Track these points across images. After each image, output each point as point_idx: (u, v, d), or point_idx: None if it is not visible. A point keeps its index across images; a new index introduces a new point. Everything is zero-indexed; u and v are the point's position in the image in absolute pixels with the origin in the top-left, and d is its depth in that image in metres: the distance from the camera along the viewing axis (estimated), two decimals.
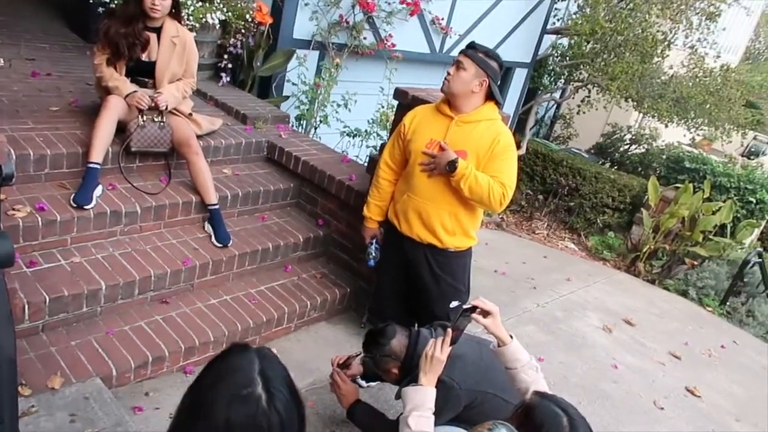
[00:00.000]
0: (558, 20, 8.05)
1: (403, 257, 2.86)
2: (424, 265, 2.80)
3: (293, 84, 4.75)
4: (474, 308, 1.95)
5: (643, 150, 9.82)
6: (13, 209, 2.64)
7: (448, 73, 2.61)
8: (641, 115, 9.39)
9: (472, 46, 2.60)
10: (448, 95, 2.65)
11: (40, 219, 2.66)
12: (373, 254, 2.98)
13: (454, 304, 2.85)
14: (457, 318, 1.95)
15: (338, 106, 4.57)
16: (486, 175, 2.56)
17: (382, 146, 3.46)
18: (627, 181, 8.03)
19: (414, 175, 2.72)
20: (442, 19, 5.98)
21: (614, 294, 5.30)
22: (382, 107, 4.42)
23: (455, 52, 6.31)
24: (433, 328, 2.36)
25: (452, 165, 2.54)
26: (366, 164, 3.72)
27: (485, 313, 1.97)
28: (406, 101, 3.21)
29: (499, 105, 2.70)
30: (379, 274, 3.09)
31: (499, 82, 2.68)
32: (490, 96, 2.65)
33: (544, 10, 7.35)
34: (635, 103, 7.95)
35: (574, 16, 7.73)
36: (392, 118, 4.35)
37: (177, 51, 3.22)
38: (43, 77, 3.76)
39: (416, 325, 2.74)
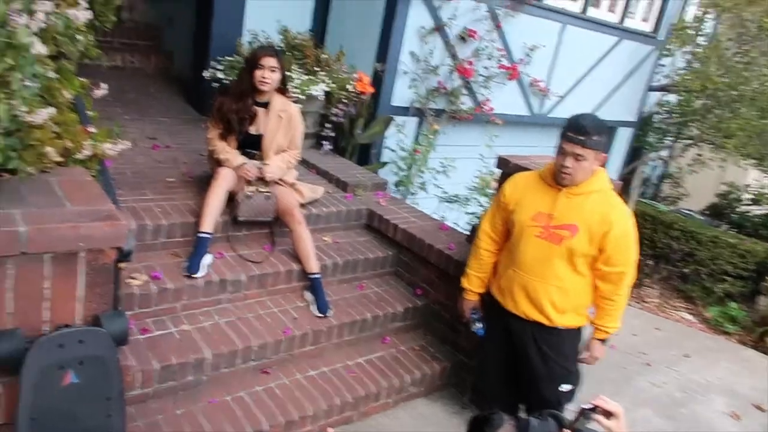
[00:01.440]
0: (664, 77, 7.71)
1: (507, 335, 2.70)
2: (531, 345, 2.62)
3: (392, 150, 4.80)
4: (595, 408, 1.75)
5: (766, 211, 9.01)
6: (131, 278, 2.76)
7: (565, 166, 2.39)
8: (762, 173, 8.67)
9: (583, 132, 2.34)
10: (572, 185, 2.47)
11: (154, 287, 2.77)
12: (479, 324, 2.86)
13: (565, 387, 2.64)
14: (577, 419, 1.75)
15: (437, 172, 4.54)
16: (614, 293, 2.51)
17: (483, 215, 3.38)
18: (750, 246, 7.33)
19: (519, 248, 2.59)
20: (541, 81, 5.90)
21: (741, 374, 4.75)
22: (482, 173, 4.34)
23: (555, 113, 6.25)
24: (543, 418, 2.16)
25: (604, 341, 2.63)
26: (467, 233, 3.62)
27: (608, 414, 1.77)
28: (508, 169, 3.12)
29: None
30: (481, 352, 2.93)
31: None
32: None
33: (649, 67, 7.09)
34: (755, 161, 7.36)
35: (681, 72, 7.40)
36: (493, 184, 4.28)
37: (283, 124, 3.34)
38: (162, 149, 4.03)
39: (523, 409, 2.56)
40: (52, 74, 1.90)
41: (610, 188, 2.53)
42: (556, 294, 2.52)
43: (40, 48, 1.59)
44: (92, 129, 2.01)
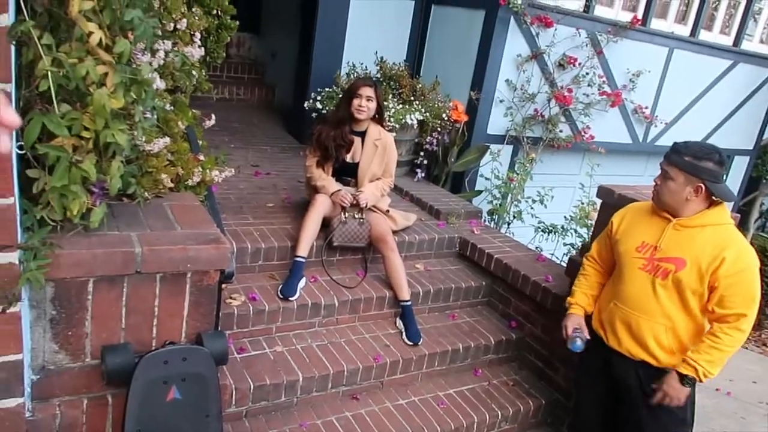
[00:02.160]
0: None
1: (609, 374, 2.53)
2: (636, 386, 2.43)
3: (486, 179, 4.74)
4: None
5: None
6: (231, 298, 2.89)
7: (656, 183, 2.32)
8: None
9: (676, 149, 2.25)
10: (659, 206, 2.37)
11: (251, 308, 2.88)
12: (579, 342, 2.51)
13: None
14: None
15: (533, 201, 4.42)
16: (723, 330, 2.21)
17: (582, 247, 3.23)
18: None
19: (622, 281, 2.43)
20: (646, 107, 5.63)
21: None
22: (581, 203, 4.18)
23: (661, 142, 5.92)
24: None
25: (688, 380, 2.25)
26: (565, 265, 3.48)
27: None
28: (611, 200, 2.97)
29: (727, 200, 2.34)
30: (579, 391, 2.76)
31: (723, 178, 2.32)
32: (711, 195, 2.31)
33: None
34: None
35: None
36: (593, 215, 4.10)
37: (378, 153, 3.40)
38: (263, 176, 4.23)
39: None
40: (168, 107, 2.05)
41: (729, 223, 2.33)
42: (662, 333, 2.33)
43: (159, 83, 1.73)
44: (201, 157, 2.14)
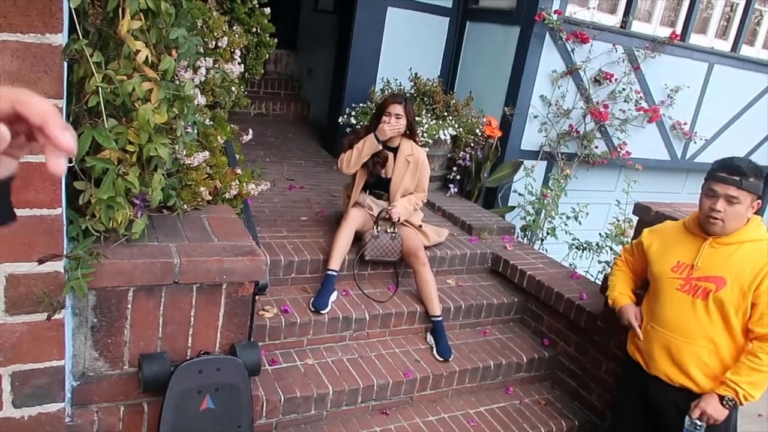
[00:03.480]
0: None
1: (647, 400, 2.46)
2: (674, 413, 2.35)
3: (519, 194, 4.71)
4: None
5: None
6: (264, 310, 2.92)
7: (717, 210, 2.16)
8: None
9: (739, 171, 2.14)
10: (720, 232, 2.24)
11: (283, 320, 2.90)
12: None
13: None
14: None
15: (567, 218, 4.36)
16: (763, 350, 2.13)
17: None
18: None
19: (659, 303, 2.37)
20: (685, 123, 5.52)
21: None
22: (617, 220, 4.10)
23: (701, 158, 5.80)
24: None
25: (728, 401, 2.16)
26: (600, 283, 3.42)
27: None
28: (648, 218, 2.91)
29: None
30: (616, 417, 2.68)
31: None
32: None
33: None
34: None
35: None
36: (629, 232, 4.03)
37: (410, 169, 3.41)
38: (297, 190, 4.28)
39: None
40: (208, 122, 2.11)
41: (767, 238, 2.26)
42: (705, 355, 2.26)
43: (200, 99, 1.78)
44: (239, 171, 2.18)
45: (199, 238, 1.72)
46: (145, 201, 1.57)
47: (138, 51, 1.33)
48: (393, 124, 3.27)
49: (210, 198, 1.92)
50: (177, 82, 1.52)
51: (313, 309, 3.01)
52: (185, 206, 1.76)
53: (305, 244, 3.37)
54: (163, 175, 1.53)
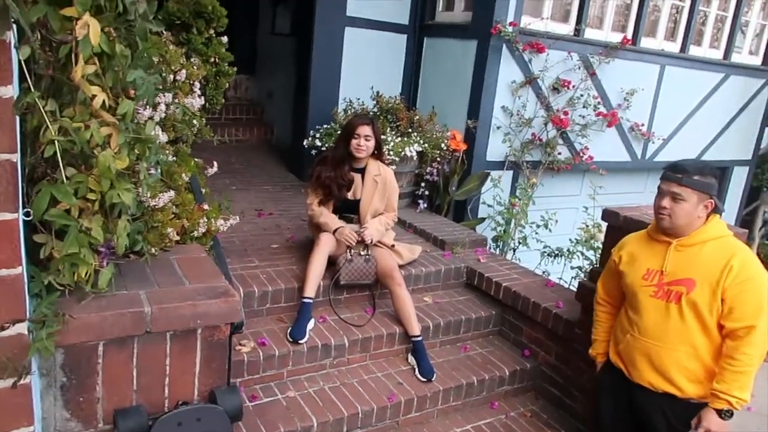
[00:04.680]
0: None
1: (631, 408, 2.45)
2: (661, 421, 2.34)
3: (488, 206, 4.73)
4: None
5: None
6: (240, 344, 2.84)
7: (663, 207, 2.24)
8: None
9: (681, 169, 2.22)
10: (668, 230, 2.31)
11: (261, 354, 2.83)
12: None
13: None
14: None
15: (537, 226, 4.40)
16: (738, 350, 2.15)
17: (592, 272, 3.19)
18: None
19: (637, 311, 2.37)
20: (642, 125, 5.65)
21: None
22: (586, 225, 4.15)
23: (660, 158, 5.94)
24: None
25: (726, 413, 2.17)
26: (575, 290, 3.44)
27: None
28: (617, 222, 2.95)
29: (720, 213, 2.32)
30: (600, 427, 2.67)
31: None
32: (713, 210, 2.29)
33: (762, 101, 6.61)
34: None
35: None
36: (599, 236, 4.08)
37: (379, 189, 3.40)
38: (266, 217, 4.21)
39: None
40: (171, 158, 2.05)
41: (729, 234, 2.30)
42: (685, 360, 2.26)
43: (162, 136, 1.72)
44: (206, 206, 2.12)
45: (169, 282, 1.65)
46: (111, 249, 1.50)
47: (94, 96, 1.27)
48: (363, 146, 3.27)
49: (178, 238, 1.86)
50: (136, 122, 1.46)
51: (291, 339, 2.95)
52: (153, 250, 1.70)
53: (278, 272, 3.30)
54: (128, 220, 1.47)
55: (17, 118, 1.14)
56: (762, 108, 6.65)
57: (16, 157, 1.15)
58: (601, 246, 3.52)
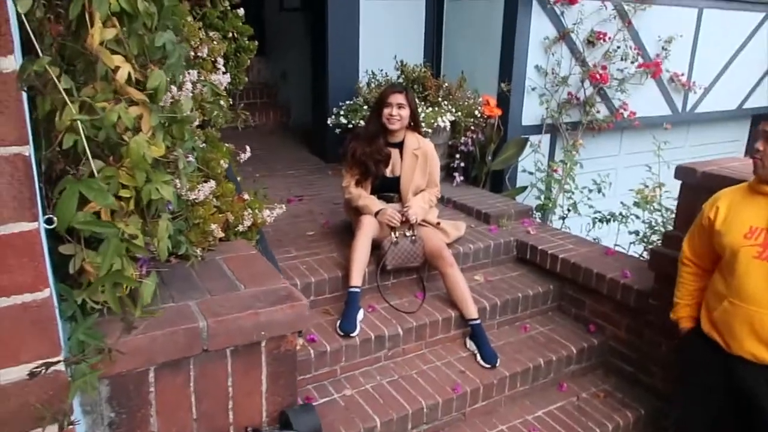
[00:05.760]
0: None
1: (728, 384, 2.19)
2: (766, 396, 2.10)
3: (530, 173, 4.44)
4: None
5: None
6: None
7: (756, 150, 2.05)
8: None
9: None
10: (766, 177, 2.06)
11: (312, 351, 2.60)
12: None
13: None
14: None
15: (590, 191, 4.10)
16: None
17: (665, 236, 2.91)
18: None
19: (736, 275, 2.10)
20: (682, 74, 5.29)
21: None
22: (645, 186, 3.83)
23: (701, 108, 5.58)
24: None
25: None
26: (639, 257, 3.16)
27: None
28: (693, 180, 2.66)
29: None
30: (687, 404, 2.40)
31: None
32: None
33: None
34: None
35: None
36: (655, 196, 3.78)
37: (419, 163, 3.14)
38: (296, 203, 3.96)
39: None
40: (201, 144, 1.79)
41: None
42: None
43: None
44: (246, 196, 1.87)
45: (221, 288, 1.40)
46: (151, 255, 1.25)
47: (117, 68, 1.01)
48: (396, 115, 3.00)
49: (222, 234, 1.61)
50: (169, 101, 1.20)
51: (341, 333, 2.72)
52: (197, 251, 1.45)
53: (319, 261, 3.06)
54: (168, 219, 1.22)
55: (24, 98, 0.88)
56: None
57: (29, 150, 0.89)
58: (667, 207, 3.23)
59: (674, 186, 2.91)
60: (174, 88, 1.48)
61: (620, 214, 3.98)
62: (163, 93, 1.08)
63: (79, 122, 0.91)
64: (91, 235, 1.10)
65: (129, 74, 1.05)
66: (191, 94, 1.67)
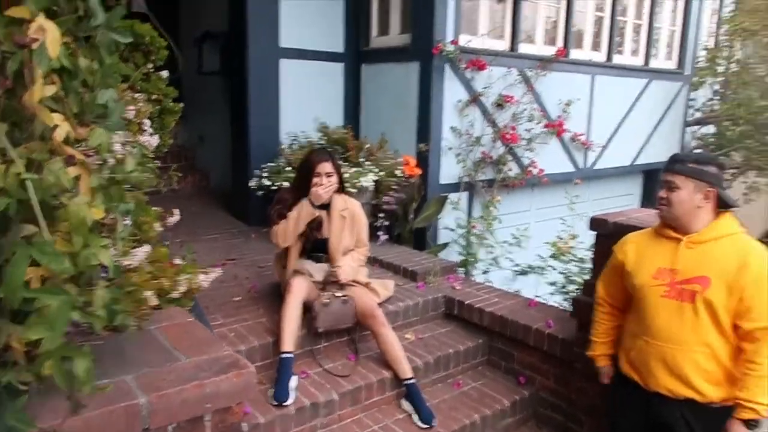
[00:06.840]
0: (696, 110, 7.55)
1: (650, 421, 2.28)
2: (683, 430, 2.19)
3: (451, 230, 4.56)
4: None
5: None
6: None
7: (660, 197, 2.21)
8: None
9: (676, 159, 2.20)
10: (669, 221, 2.24)
11: (245, 426, 2.45)
12: None
13: None
14: None
15: (510, 245, 4.26)
16: (757, 354, 2.04)
17: (586, 285, 3.05)
18: None
19: (646, 314, 2.22)
20: (582, 134, 5.73)
21: None
22: (559, 239, 4.04)
23: (600, 165, 6.04)
24: None
25: (753, 424, 2.06)
26: (559, 307, 3.29)
27: None
28: (606, 230, 2.83)
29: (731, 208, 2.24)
30: None
31: (725, 187, 2.24)
32: (721, 205, 2.21)
33: (681, 103, 6.93)
34: None
35: (710, 102, 7.23)
36: (567, 247, 3.99)
37: (347, 224, 3.15)
38: (220, 267, 3.80)
39: None
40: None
41: (742, 231, 2.21)
42: (703, 361, 2.13)
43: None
44: (177, 260, 1.78)
45: (160, 360, 1.30)
46: (78, 327, 1.15)
47: (56, 126, 0.95)
48: (326, 185, 2.99)
49: (156, 303, 1.51)
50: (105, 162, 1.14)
51: (275, 402, 2.59)
52: (131, 321, 1.34)
53: (248, 327, 2.95)
54: (104, 287, 1.13)
55: None
56: (681, 110, 6.97)
57: None
58: (581, 258, 3.41)
59: (586, 236, 3.08)
60: (117, 147, 1.41)
61: (539, 266, 4.14)
62: (105, 152, 1.02)
63: (28, 181, 0.84)
64: (15, 308, 1.00)
65: (67, 133, 0.99)
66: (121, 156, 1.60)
